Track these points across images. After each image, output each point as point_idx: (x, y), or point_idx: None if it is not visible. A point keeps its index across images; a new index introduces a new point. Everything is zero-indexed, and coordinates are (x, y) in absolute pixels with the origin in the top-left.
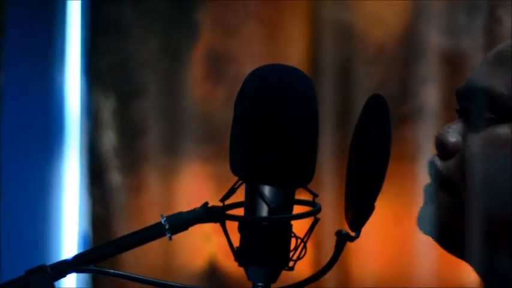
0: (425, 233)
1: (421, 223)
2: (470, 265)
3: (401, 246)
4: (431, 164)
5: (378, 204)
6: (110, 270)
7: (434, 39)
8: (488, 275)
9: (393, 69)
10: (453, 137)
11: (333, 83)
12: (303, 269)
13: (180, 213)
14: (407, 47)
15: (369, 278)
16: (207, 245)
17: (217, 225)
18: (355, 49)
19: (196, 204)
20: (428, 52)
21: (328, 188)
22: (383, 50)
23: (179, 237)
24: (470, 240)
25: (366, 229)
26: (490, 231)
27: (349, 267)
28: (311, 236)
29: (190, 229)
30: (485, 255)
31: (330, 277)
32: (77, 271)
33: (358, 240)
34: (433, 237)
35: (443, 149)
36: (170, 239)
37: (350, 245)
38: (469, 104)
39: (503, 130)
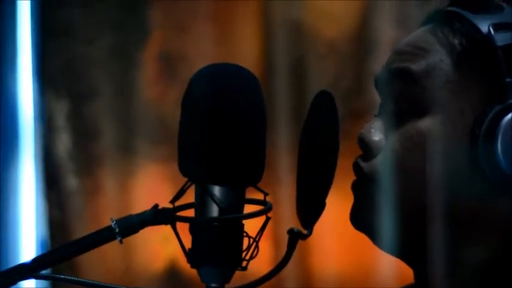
0: (359, 230)
1: (354, 221)
2: (402, 259)
3: (361, 243)
4: (356, 165)
5: (335, 201)
6: (69, 277)
7: (387, 33)
8: (422, 266)
9: (346, 65)
10: (376, 135)
11: (286, 80)
12: (262, 268)
13: (130, 216)
14: (360, 43)
15: (330, 276)
16: (167, 247)
17: (181, 226)
18: (308, 46)
19: (156, 205)
20: (381, 47)
21: (284, 186)
22: (335, 46)
23: (138, 239)
24: (399, 235)
25: (325, 227)
26: (419, 223)
27: (309, 266)
28: (269, 236)
29: (149, 231)
30: (415, 247)
31: (290, 277)
32: (31, 277)
33: (318, 238)
34: (366, 234)
35: (367, 149)
36: (121, 242)
37: (310, 244)
38: (386, 90)
39: (422, 124)
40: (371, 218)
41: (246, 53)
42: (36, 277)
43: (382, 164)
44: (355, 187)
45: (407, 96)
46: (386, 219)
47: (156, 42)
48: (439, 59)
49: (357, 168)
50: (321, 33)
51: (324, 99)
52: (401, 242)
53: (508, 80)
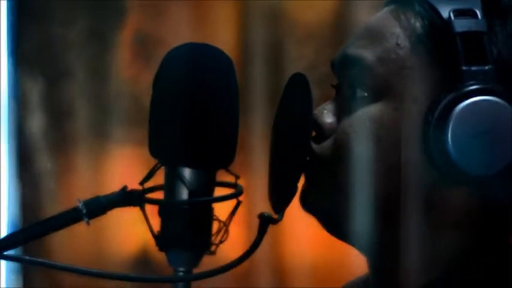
0: (308, 211)
1: (302, 202)
2: (353, 245)
3: None
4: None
5: None
6: (36, 259)
7: (365, 18)
8: (373, 253)
9: (323, 50)
10: (328, 117)
11: (263, 64)
12: (234, 253)
13: (98, 197)
14: (338, 27)
15: (303, 261)
16: (140, 230)
17: (150, 208)
18: (285, 30)
19: (129, 187)
20: None
21: (259, 170)
22: (313, 30)
23: (111, 222)
24: (351, 220)
25: (299, 211)
26: (368, 208)
27: (282, 252)
28: (242, 220)
29: (123, 214)
30: (368, 233)
31: (263, 262)
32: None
33: (291, 223)
34: (315, 217)
35: (319, 130)
36: (88, 223)
37: (283, 229)
38: (342, 75)
39: (374, 109)
40: (319, 200)
41: (222, 36)
42: (4, 258)
43: (333, 147)
44: (306, 169)
45: (361, 81)
46: (335, 203)
47: (132, 24)
48: (396, 44)
49: (309, 149)
50: (299, 17)
51: (298, 81)
52: (350, 228)
53: (464, 67)
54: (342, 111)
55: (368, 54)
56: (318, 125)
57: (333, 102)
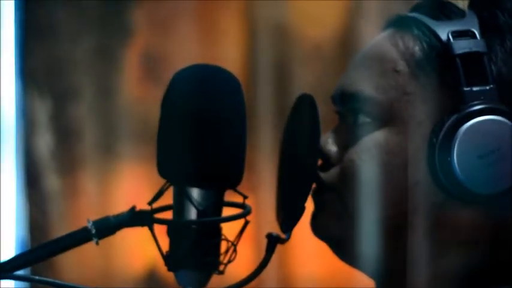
0: (319, 238)
1: (313, 229)
2: (362, 270)
3: None
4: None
5: None
6: (43, 278)
7: (372, 36)
8: (381, 277)
9: (330, 68)
10: (334, 145)
11: (270, 83)
12: (243, 272)
13: (107, 218)
14: (345, 45)
15: (310, 281)
16: (148, 249)
17: (159, 228)
18: (292, 48)
19: (137, 207)
20: None
21: (266, 190)
22: (320, 48)
23: (119, 241)
24: (361, 244)
25: (306, 231)
26: (378, 233)
27: (289, 271)
28: (250, 239)
29: (131, 233)
30: (377, 257)
31: (270, 281)
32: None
33: (299, 243)
34: (326, 243)
35: (325, 160)
36: (97, 243)
37: (291, 248)
38: (343, 109)
39: (379, 135)
40: (329, 226)
41: (229, 54)
42: (10, 278)
43: (339, 175)
44: (314, 195)
45: (363, 111)
46: (345, 228)
47: (139, 43)
48: (395, 72)
49: (316, 176)
50: (306, 35)
51: (305, 102)
52: (361, 253)
53: (465, 88)
54: (347, 138)
55: (366, 87)
56: (323, 154)
57: (336, 130)
